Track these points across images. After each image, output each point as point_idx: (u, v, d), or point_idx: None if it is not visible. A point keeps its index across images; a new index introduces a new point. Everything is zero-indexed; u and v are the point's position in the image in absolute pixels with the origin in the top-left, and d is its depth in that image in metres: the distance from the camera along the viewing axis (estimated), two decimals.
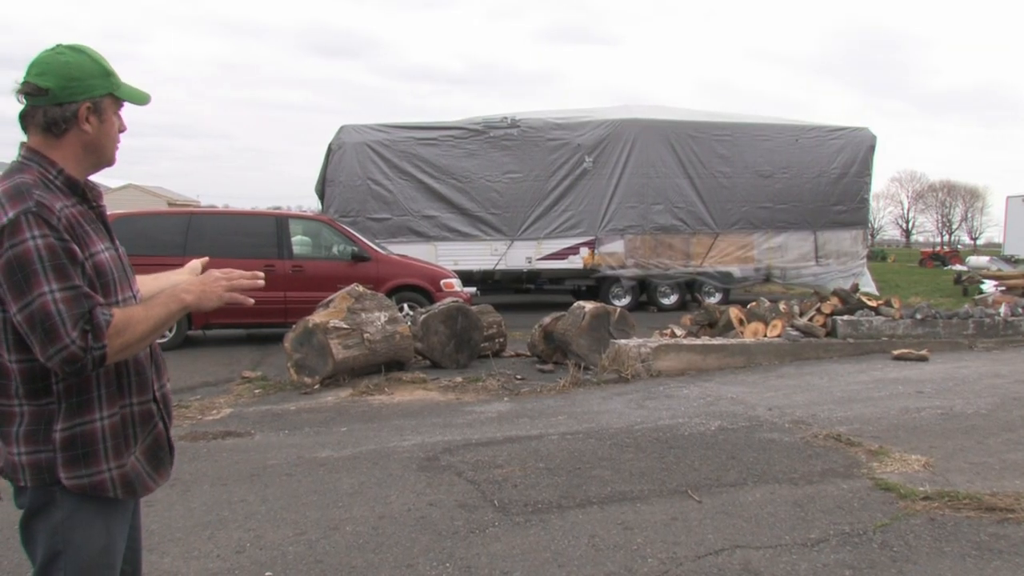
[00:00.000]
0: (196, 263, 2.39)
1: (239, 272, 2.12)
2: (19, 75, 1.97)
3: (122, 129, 2.07)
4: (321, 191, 15.91)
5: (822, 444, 5.61)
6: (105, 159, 2.05)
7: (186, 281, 2.07)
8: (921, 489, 4.57)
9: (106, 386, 1.93)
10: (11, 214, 1.80)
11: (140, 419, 2.01)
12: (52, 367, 1.81)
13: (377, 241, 13.20)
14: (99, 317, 1.80)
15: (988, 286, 19.94)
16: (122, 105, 2.05)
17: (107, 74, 1.99)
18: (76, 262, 1.83)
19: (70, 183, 1.95)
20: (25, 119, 1.96)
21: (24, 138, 1.98)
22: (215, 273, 2.07)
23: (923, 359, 8.95)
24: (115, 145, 2.06)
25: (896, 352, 9.14)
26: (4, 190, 1.85)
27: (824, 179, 17.45)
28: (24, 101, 1.94)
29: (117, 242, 2.09)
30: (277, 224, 11.74)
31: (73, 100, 1.93)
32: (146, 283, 2.25)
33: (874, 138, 17.94)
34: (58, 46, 1.98)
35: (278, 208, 17.54)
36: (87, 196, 1.99)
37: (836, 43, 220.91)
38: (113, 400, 1.94)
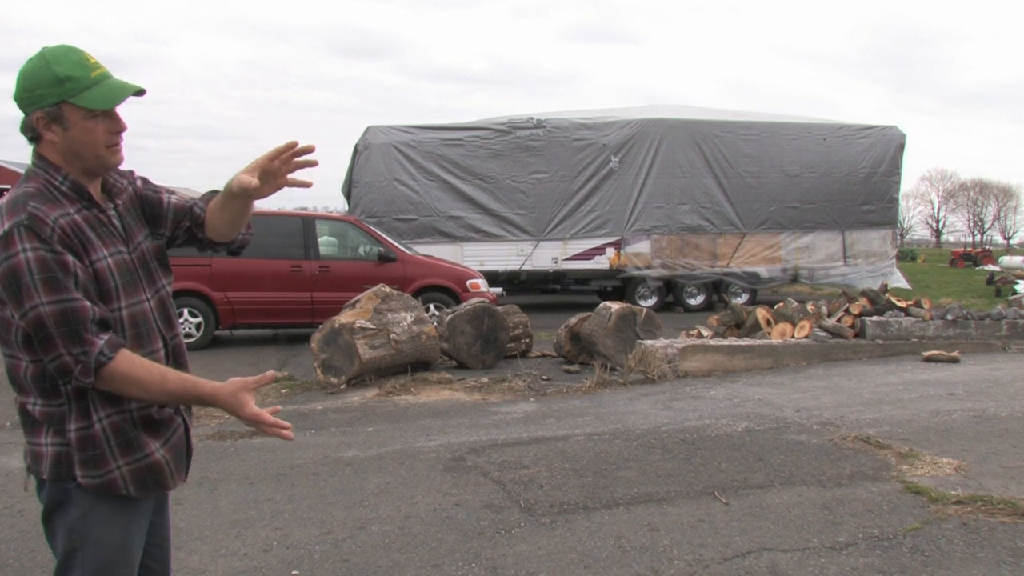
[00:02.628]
0: (251, 177, 2.02)
1: (264, 416, 2.03)
2: None
3: (116, 130, 1.97)
4: (347, 192, 15.99)
5: (851, 446, 5.54)
6: (92, 164, 1.95)
7: (221, 384, 1.98)
8: (953, 493, 4.50)
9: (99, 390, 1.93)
10: (6, 226, 1.82)
11: (142, 422, 2.00)
12: (51, 371, 1.86)
13: (403, 241, 13.24)
14: (90, 358, 1.82)
15: (1022, 286, 19.64)
16: (99, 109, 1.91)
17: (59, 81, 1.87)
18: (68, 273, 1.83)
19: (76, 187, 1.94)
20: None
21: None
22: (246, 398, 1.99)
23: (954, 361, 8.81)
24: (99, 150, 1.94)
25: (926, 353, 9.01)
26: (5, 201, 1.89)
27: (852, 178, 17.26)
28: None
29: (134, 244, 2.05)
30: (304, 225, 11.81)
31: (28, 111, 1.92)
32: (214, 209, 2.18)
33: (903, 136, 17.72)
34: (41, 49, 1.93)
35: (304, 209, 17.60)
36: (95, 200, 1.98)
37: (863, 39, 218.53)
38: (109, 402, 1.93)
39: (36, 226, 1.81)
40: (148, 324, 2.03)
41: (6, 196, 1.92)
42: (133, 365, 1.87)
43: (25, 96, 1.90)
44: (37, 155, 1.96)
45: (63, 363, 1.82)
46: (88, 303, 1.85)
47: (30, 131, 1.94)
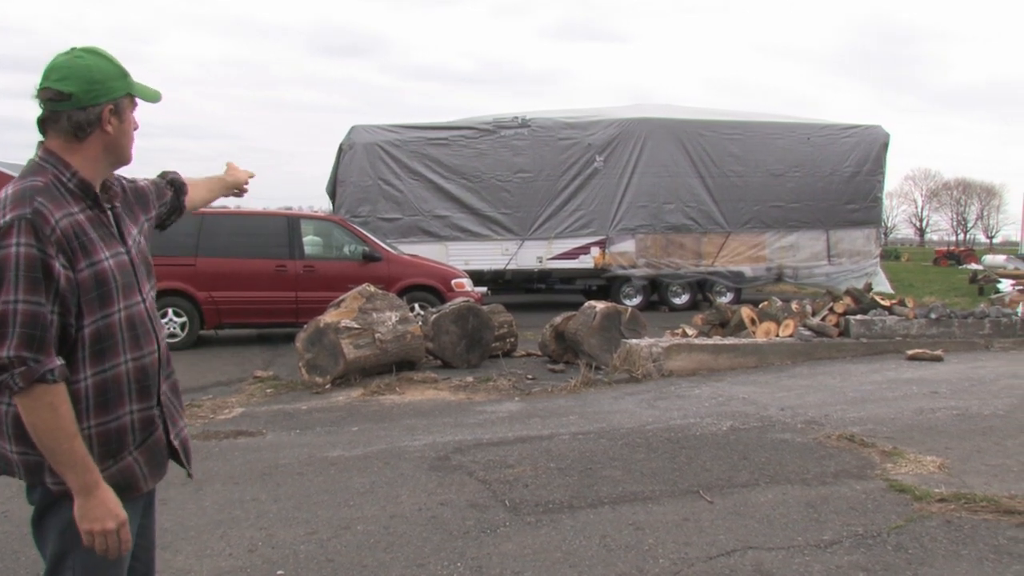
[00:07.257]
0: (242, 176, 2.72)
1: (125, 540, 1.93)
2: (33, 79, 1.98)
3: (135, 127, 2.09)
4: (332, 191, 15.94)
5: (835, 445, 5.57)
6: (124, 158, 2.07)
7: (108, 489, 1.90)
8: (936, 491, 4.53)
9: (95, 396, 1.91)
10: (8, 217, 1.82)
11: (141, 425, 2.00)
12: None
13: (388, 241, 13.20)
14: (41, 367, 1.78)
15: (1005, 285, 19.84)
16: (136, 104, 2.07)
17: (124, 75, 2.01)
18: (51, 280, 1.82)
19: (83, 186, 1.96)
20: (45, 123, 1.96)
21: (41, 139, 1.99)
22: (108, 524, 1.88)
23: (938, 359, 8.87)
24: (132, 143, 2.08)
25: (910, 352, 9.07)
26: (12, 192, 1.88)
27: (836, 178, 17.36)
28: (44, 107, 1.95)
29: (130, 244, 2.07)
30: (288, 224, 11.76)
31: (96, 103, 1.94)
32: (198, 184, 2.54)
33: (887, 136, 17.85)
34: (74, 49, 1.99)
35: (289, 208, 17.54)
36: (99, 200, 2.00)
37: (848, 38, 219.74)
38: (103, 410, 1.92)
39: (38, 223, 1.82)
40: (144, 325, 2.03)
41: (12, 186, 1.91)
42: (64, 403, 1.83)
43: (96, 88, 1.94)
44: (47, 151, 1.96)
45: (2, 361, 1.77)
46: (56, 319, 1.83)
47: (88, 126, 1.94)
